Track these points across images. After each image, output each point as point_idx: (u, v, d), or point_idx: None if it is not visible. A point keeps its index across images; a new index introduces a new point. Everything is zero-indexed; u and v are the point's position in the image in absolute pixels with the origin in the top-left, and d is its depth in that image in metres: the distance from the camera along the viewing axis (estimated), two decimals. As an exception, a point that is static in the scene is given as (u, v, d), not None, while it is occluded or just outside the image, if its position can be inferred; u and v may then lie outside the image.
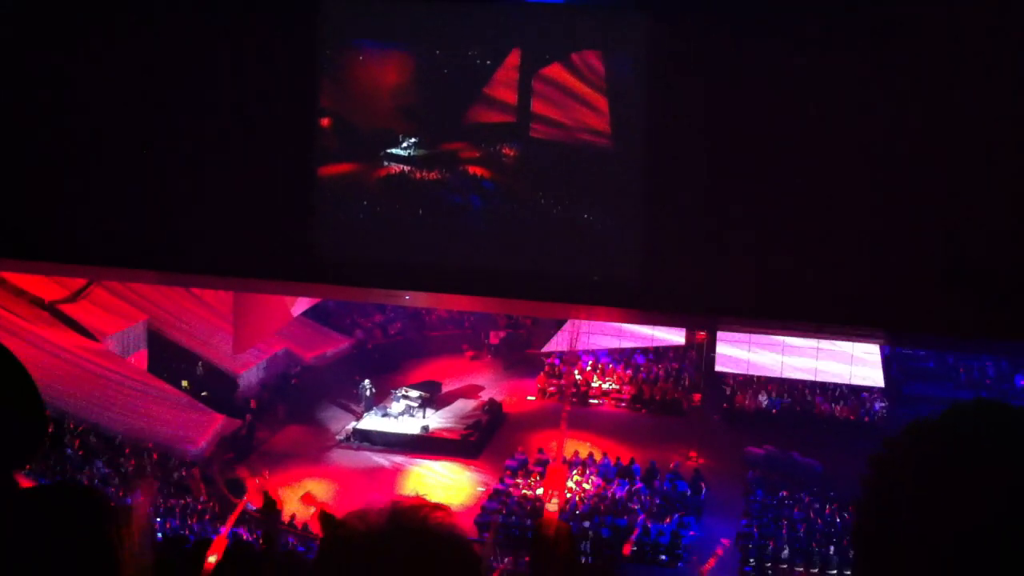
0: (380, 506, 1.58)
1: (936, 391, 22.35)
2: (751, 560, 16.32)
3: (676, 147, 8.37)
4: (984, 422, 1.23)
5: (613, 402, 22.78)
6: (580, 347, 23.56)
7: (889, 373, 22.11)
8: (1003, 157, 7.83)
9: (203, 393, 20.86)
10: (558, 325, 23.65)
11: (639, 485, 18.63)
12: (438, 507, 1.59)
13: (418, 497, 1.60)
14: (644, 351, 23.91)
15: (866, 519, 1.24)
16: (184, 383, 20.92)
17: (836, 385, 21.99)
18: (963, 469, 1.17)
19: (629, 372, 23.35)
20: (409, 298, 13.65)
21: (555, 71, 8.59)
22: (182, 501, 17.04)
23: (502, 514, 17.14)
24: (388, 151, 8.86)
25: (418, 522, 1.55)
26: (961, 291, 8.22)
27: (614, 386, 22.95)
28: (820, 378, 21.90)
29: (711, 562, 9.61)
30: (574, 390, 22.62)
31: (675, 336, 23.35)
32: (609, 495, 18.24)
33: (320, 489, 18.37)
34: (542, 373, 23.54)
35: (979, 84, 7.68)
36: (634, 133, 8.42)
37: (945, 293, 8.37)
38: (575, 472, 18.93)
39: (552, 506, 6.24)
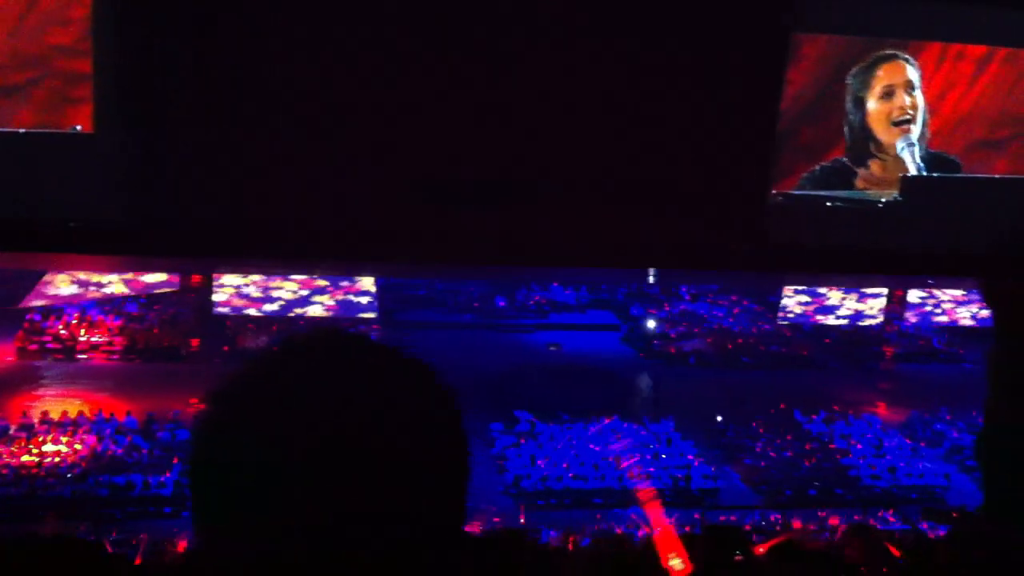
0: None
1: (428, 316, 23.69)
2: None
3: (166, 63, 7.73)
4: (313, 347, 1.24)
5: (104, 355, 21.38)
6: (59, 300, 21.79)
7: (384, 302, 22.99)
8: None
9: None
10: (40, 277, 21.68)
11: (136, 439, 17.73)
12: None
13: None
14: (136, 298, 22.67)
15: (197, 451, 1.20)
16: None
17: (337, 318, 22.39)
18: (274, 390, 1.17)
19: (120, 322, 22.04)
20: None
21: None
22: None
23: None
24: None
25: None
26: (444, 213, 8.55)
27: (103, 338, 21.54)
28: (315, 312, 22.19)
29: None
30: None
31: (168, 280, 22.36)
32: (104, 453, 17.15)
33: None
34: (21, 330, 21.46)
35: None
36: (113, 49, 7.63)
37: (431, 218, 8.68)
38: (65, 434, 17.57)
39: None
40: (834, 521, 14.40)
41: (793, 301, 23.47)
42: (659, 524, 12.32)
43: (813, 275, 16.65)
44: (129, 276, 21.54)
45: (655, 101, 8.69)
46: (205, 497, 1.19)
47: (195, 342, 22.00)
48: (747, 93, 8.94)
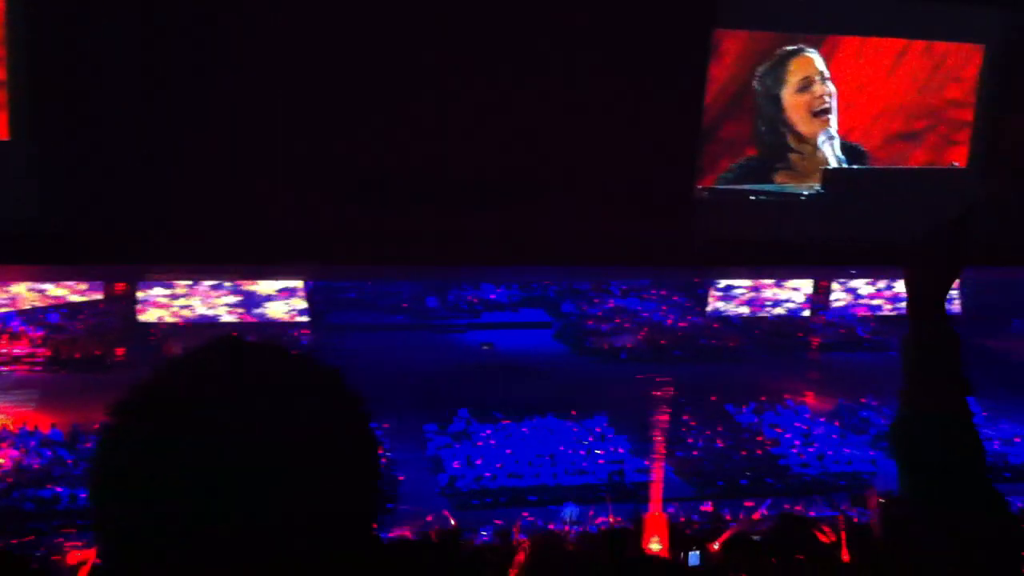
0: None
1: (359, 318, 23.51)
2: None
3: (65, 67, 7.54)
4: (215, 356, 1.24)
5: (27, 366, 20.86)
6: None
7: (314, 305, 22.75)
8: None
9: None
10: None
11: (60, 451, 17.35)
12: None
13: None
14: (58, 308, 22.15)
15: (100, 463, 1.21)
16: None
17: (274, 323, 22.06)
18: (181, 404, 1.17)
19: (42, 333, 21.52)
20: None
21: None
22: None
23: None
24: None
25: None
26: (376, 218, 8.48)
27: (26, 350, 21.03)
28: (257, 318, 21.85)
29: None
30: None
31: (93, 290, 21.88)
32: (29, 466, 16.75)
33: None
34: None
35: None
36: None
37: (364, 223, 8.59)
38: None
39: None
40: (763, 510, 14.62)
41: (721, 294, 23.78)
42: (656, 508, 12.34)
43: (739, 268, 16.86)
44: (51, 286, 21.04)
45: (585, 103, 8.73)
46: (108, 509, 1.17)
47: (120, 351, 21.56)
48: (672, 91, 9.03)
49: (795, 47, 9.69)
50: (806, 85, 9.83)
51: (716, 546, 6.92)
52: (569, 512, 13.68)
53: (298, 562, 1.12)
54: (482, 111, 8.41)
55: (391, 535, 11.85)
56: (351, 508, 1.19)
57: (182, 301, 21.47)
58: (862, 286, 24.25)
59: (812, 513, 13.29)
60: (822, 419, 19.77)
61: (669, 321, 24.85)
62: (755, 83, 9.47)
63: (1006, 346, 23.60)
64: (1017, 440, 18.43)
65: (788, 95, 9.90)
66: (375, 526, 1.24)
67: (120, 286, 21.57)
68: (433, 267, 13.10)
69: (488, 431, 18.10)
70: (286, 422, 1.15)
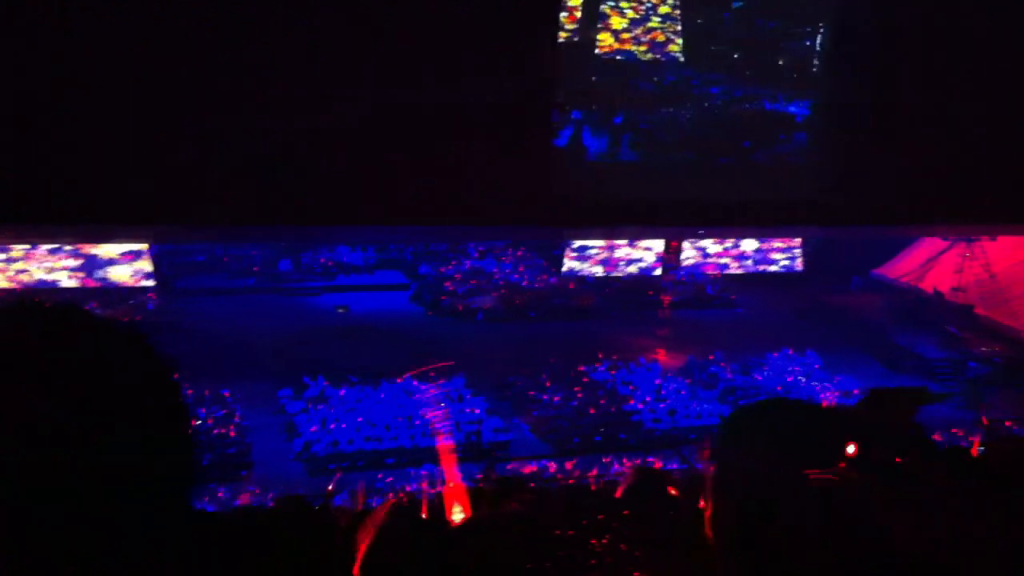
0: None
1: (207, 282, 22.90)
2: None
3: None
4: (13, 321, 1.19)
5: None
6: None
7: (160, 270, 22.04)
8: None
9: None
10: None
11: None
12: None
13: None
14: None
15: None
16: None
17: (118, 287, 21.28)
18: None
19: None
20: None
21: None
22: None
23: None
24: None
25: None
26: (247, 184, 8.23)
27: None
28: (99, 282, 21.05)
29: None
30: None
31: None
32: None
33: None
34: None
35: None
36: None
37: (232, 188, 8.33)
38: None
39: None
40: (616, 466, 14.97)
41: (576, 254, 24.10)
42: (451, 478, 12.44)
43: (594, 228, 17.09)
44: None
45: (445, 63, 8.62)
46: None
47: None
48: (533, 52, 9.01)
49: None
50: None
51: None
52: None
53: (106, 531, 1.07)
54: (335, 76, 8.22)
55: (240, 500, 11.62)
56: (156, 474, 1.14)
57: (19, 265, 20.48)
58: (710, 245, 24.95)
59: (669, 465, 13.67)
60: (673, 375, 20.29)
61: (525, 282, 25.04)
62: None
63: (844, 302, 24.67)
64: (856, 392, 19.32)
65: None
66: (189, 495, 1.20)
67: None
68: (285, 228, 12.84)
69: (344, 394, 17.93)
70: (83, 387, 1.09)
